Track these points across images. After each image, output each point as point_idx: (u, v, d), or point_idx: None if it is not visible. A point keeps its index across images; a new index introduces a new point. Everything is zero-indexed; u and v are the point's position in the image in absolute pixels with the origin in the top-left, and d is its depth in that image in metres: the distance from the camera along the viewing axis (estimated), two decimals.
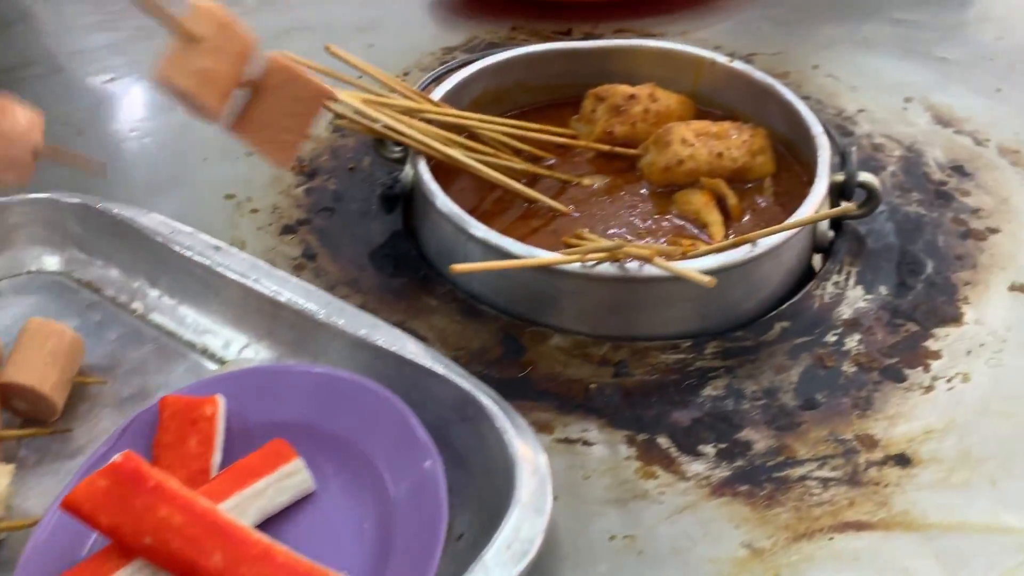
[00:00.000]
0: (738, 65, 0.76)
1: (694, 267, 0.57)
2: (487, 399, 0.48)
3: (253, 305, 0.57)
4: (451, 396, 0.50)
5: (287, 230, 0.70)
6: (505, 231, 0.63)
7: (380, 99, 0.66)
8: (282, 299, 0.55)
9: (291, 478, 0.47)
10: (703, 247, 0.63)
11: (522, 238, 0.60)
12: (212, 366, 0.57)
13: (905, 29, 0.96)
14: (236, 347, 0.57)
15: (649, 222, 0.69)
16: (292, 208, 0.72)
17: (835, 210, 0.59)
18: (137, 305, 0.61)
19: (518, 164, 0.71)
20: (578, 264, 0.57)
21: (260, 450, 0.48)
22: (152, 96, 0.87)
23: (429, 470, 0.45)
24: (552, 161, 0.75)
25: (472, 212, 0.65)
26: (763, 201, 0.70)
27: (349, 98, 0.65)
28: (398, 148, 0.69)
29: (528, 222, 0.68)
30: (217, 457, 0.48)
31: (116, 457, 0.43)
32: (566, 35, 0.96)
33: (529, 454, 0.46)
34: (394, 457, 0.47)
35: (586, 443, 0.53)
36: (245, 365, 0.53)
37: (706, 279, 0.54)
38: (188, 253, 0.59)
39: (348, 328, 0.53)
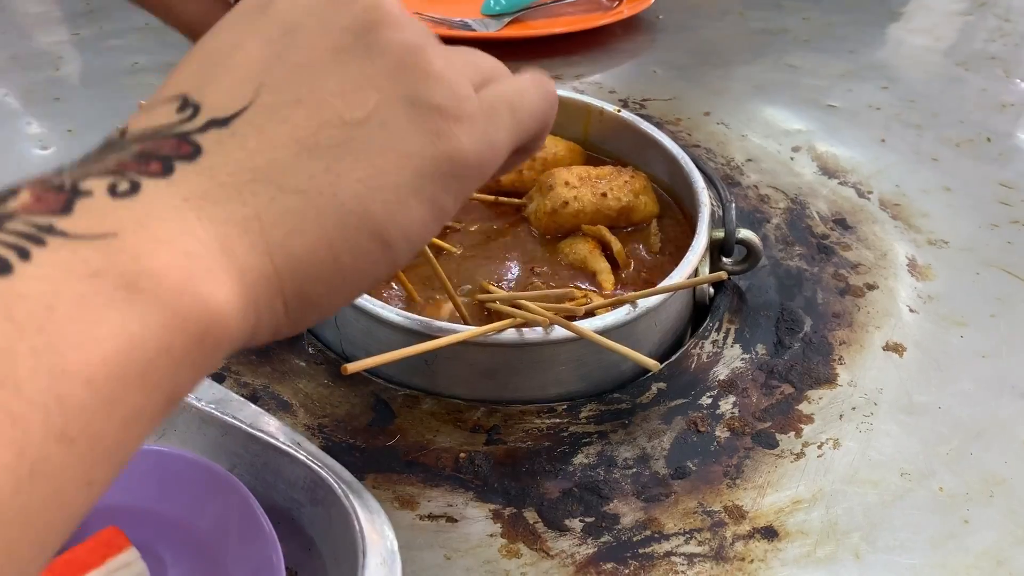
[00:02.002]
0: (626, 115, 0.76)
1: (585, 327, 0.55)
2: (337, 481, 0.46)
3: None
4: (302, 477, 0.47)
5: None
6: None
7: None
8: None
9: (125, 570, 0.44)
10: (596, 299, 0.62)
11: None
12: None
13: (796, 75, 0.97)
14: None
15: (537, 270, 0.67)
16: None
17: (712, 276, 0.59)
18: None
19: None
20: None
21: (90, 539, 0.44)
22: (3, 134, 0.83)
23: (272, 563, 0.43)
24: None
25: None
26: (648, 259, 0.69)
27: None
28: None
29: (410, 266, 0.66)
30: None
31: None
32: None
33: (378, 540, 0.44)
34: (236, 546, 0.44)
35: (450, 519, 0.51)
36: None
37: (651, 363, 0.54)
38: None
39: (196, 401, 0.50)
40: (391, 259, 0.27)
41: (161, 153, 0.24)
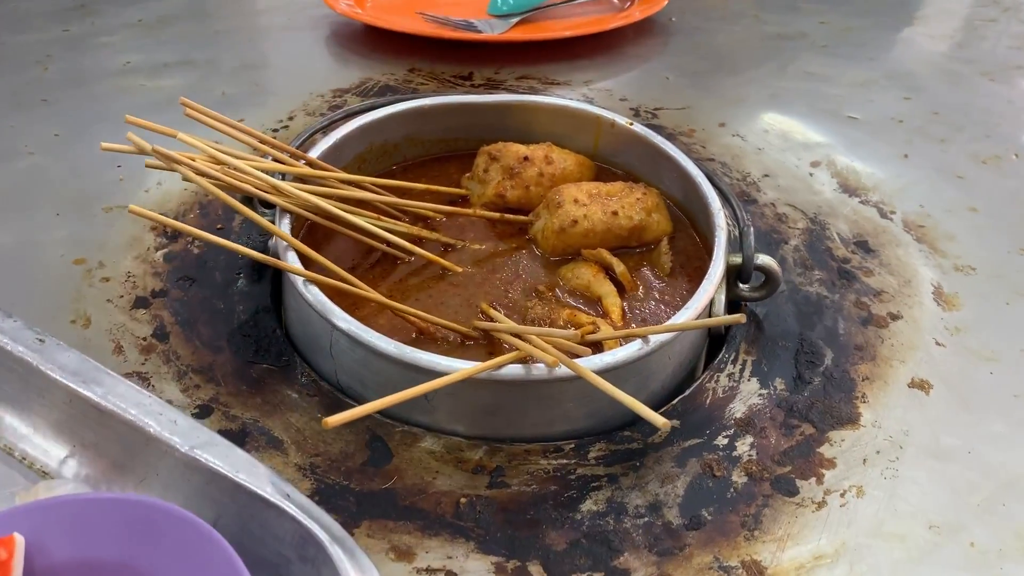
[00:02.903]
0: (638, 129, 0.72)
1: (586, 366, 0.52)
2: (328, 537, 0.43)
3: (78, 411, 0.50)
4: (290, 532, 0.44)
5: (140, 303, 0.63)
6: (385, 296, 0.59)
7: (235, 158, 0.60)
8: (109, 407, 0.48)
9: None
10: (604, 328, 0.58)
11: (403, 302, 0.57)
12: (26, 479, 0.50)
13: (814, 84, 0.93)
14: (58, 457, 0.50)
15: (540, 293, 0.64)
16: (148, 276, 0.65)
17: (731, 318, 0.55)
18: None
19: (401, 227, 0.66)
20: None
21: None
22: None
23: None
24: (439, 219, 0.70)
25: (351, 271, 0.60)
26: (658, 282, 0.65)
27: (202, 162, 0.59)
28: (269, 210, 0.63)
29: (409, 287, 0.63)
30: None
31: None
32: (467, 79, 0.91)
33: None
34: None
35: (450, 574, 0.48)
36: (57, 490, 0.47)
37: (662, 421, 0.49)
38: (7, 346, 0.52)
39: (180, 445, 0.47)
40: None
41: None
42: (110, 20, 1.00)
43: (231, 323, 0.62)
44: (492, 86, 0.90)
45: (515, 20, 1.01)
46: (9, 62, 0.90)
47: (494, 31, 0.98)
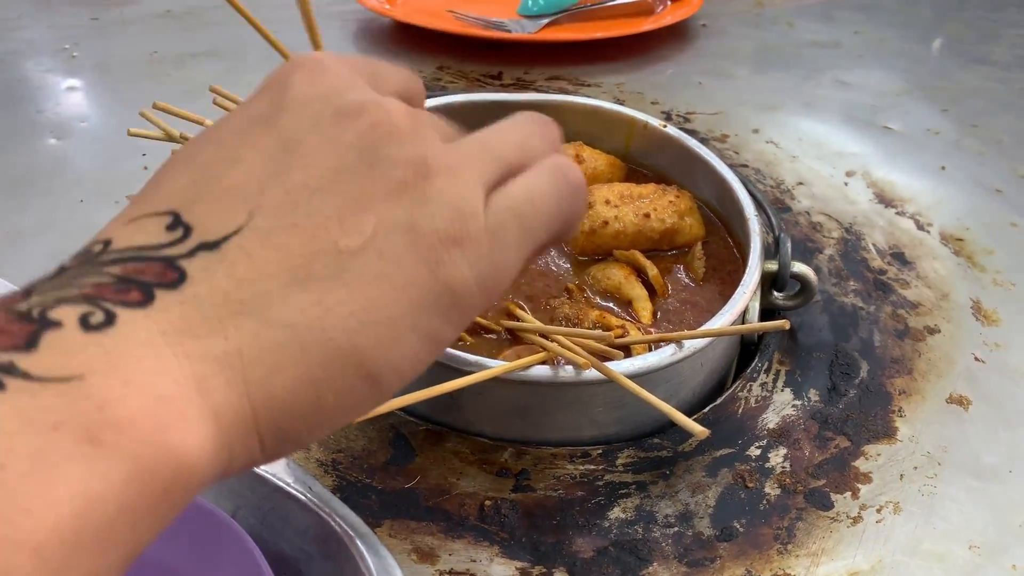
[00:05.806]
0: (672, 131, 0.71)
1: (617, 370, 0.50)
2: (351, 533, 0.41)
3: None
4: (312, 526, 0.42)
5: None
6: None
7: None
8: None
9: None
10: (633, 332, 0.57)
11: None
12: None
13: (849, 93, 0.92)
14: None
15: (568, 294, 0.62)
16: None
17: (772, 324, 0.53)
18: None
19: None
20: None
21: None
22: (17, 121, 0.78)
23: None
24: None
25: None
26: (690, 286, 0.64)
27: None
28: None
29: None
30: None
31: None
32: (496, 79, 0.90)
33: None
34: None
35: None
36: None
37: (699, 429, 0.47)
38: None
39: None
40: (378, 395, 0.25)
41: (143, 279, 0.22)
42: (140, 8, 1.00)
43: None
44: (522, 86, 0.89)
45: (545, 21, 1.00)
46: (38, 49, 0.90)
47: (524, 31, 0.97)
